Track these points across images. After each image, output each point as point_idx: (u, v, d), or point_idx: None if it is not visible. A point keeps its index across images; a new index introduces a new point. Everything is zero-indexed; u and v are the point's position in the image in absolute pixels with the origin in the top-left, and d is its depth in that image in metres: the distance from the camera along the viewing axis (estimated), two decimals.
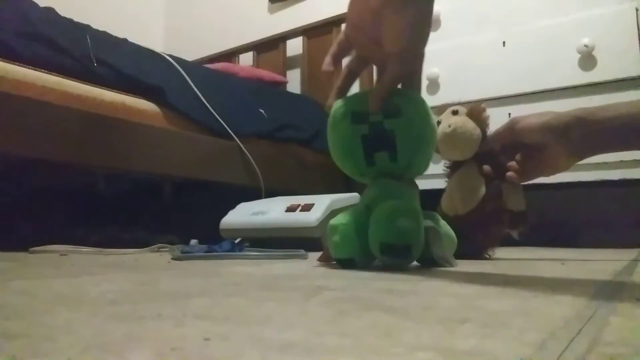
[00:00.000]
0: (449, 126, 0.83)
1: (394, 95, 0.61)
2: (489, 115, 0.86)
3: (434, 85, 1.68)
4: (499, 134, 0.73)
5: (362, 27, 0.59)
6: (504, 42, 1.54)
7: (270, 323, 0.26)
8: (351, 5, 0.59)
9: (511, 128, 0.71)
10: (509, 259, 0.85)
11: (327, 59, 0.65)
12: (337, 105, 0.66)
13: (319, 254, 0.73)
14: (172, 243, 1.11)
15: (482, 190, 0.79)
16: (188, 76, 1.41)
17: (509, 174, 0.73)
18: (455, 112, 0.85)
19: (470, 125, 0.83)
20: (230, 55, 2.52)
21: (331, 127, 0.66)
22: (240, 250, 0.91)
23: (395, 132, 0.61)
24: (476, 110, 0.85)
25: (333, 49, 0.65)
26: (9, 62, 1.05)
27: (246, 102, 1.60)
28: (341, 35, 0.65)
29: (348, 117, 0.64)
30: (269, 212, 1.23)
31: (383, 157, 0.63)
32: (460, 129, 0.82)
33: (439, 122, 0.85)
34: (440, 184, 0.94)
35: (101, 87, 1.22)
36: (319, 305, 0.32)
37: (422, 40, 0.58)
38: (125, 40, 1.39)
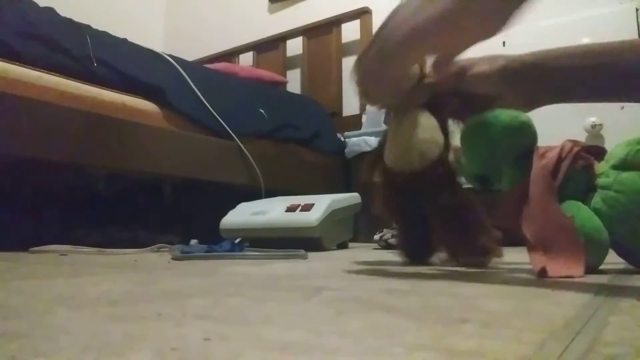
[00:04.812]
0: None
1: None
2: None
3: None
4: (445, 80, 0.61)
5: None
6: (504, 42, 1.54)
7: (270, 323, 0.26)
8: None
9: (460, 76, 0.60)
10: (509, 261, 0.84)
11: None
12: None
13: (319, 254, 0.73)
14: (172, 243, 1.11)
15: (442, 138, 0.64)
16: (188, 76, 1.41)
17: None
18: None
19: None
20: (230, 55, 2.52)
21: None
22: (240, 250, 0.91)
23: None
24: None
25: None
26: (9, 62, 1.05)
27: (246, 102, 1.60)
28: None
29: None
30: (269, 212, 1.23)
31: None
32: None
33: None
34: None
35: (101, 87, 1.22)
36: (319, 305, 0.32)
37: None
38: (125, 40, 1.39)
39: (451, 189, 0.64)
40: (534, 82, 0.58)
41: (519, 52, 0.58)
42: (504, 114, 0.59)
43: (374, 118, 1.87)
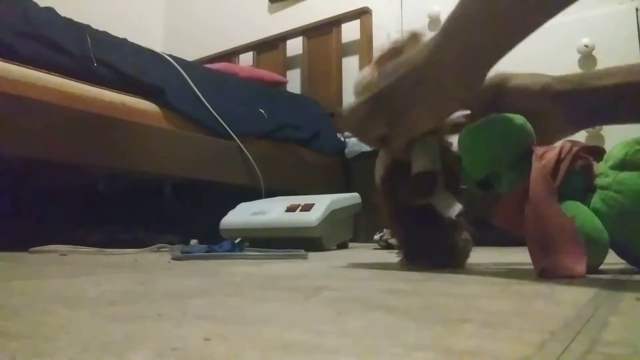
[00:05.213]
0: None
1: None
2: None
3: None
4: (480, 93, 0.56)
5: None
6: None
7: (270, 323, 0.26)
8: None
9: (499, 86, 0.57)
10: (508, 262, 0.85)
11: None
12: None
13: (319, 254, 0.73)
14: (172, 243, 1.11)
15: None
16: (188, 76, 1.41)
17: None
18: None
19: (365, 72, 0.61)
20: (230, 55, 2.52)
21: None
22: (240, 250, 0.91)
23: None
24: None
25: None
26: (10, 62, 1.05)
27: (246, 102, 1.60)
28: None
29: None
30: (269, 212, 1.23)
31: None
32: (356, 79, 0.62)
33: None
34: None
35: (101, 87, 1.22)
36: (319, 305, 0.32)
37: None
38: (125, 40, 1.39)
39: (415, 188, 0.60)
40: (579, 102, 0.57)
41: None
42: (499, 117, 0.59)
43: None
